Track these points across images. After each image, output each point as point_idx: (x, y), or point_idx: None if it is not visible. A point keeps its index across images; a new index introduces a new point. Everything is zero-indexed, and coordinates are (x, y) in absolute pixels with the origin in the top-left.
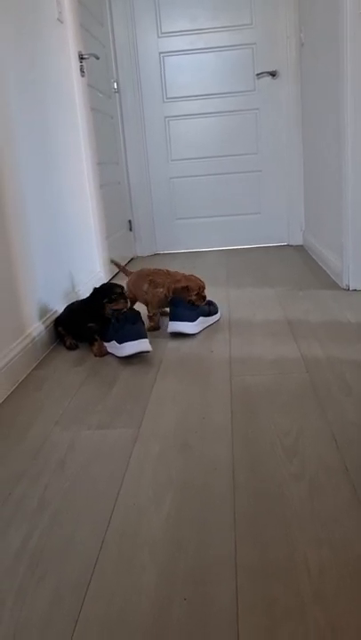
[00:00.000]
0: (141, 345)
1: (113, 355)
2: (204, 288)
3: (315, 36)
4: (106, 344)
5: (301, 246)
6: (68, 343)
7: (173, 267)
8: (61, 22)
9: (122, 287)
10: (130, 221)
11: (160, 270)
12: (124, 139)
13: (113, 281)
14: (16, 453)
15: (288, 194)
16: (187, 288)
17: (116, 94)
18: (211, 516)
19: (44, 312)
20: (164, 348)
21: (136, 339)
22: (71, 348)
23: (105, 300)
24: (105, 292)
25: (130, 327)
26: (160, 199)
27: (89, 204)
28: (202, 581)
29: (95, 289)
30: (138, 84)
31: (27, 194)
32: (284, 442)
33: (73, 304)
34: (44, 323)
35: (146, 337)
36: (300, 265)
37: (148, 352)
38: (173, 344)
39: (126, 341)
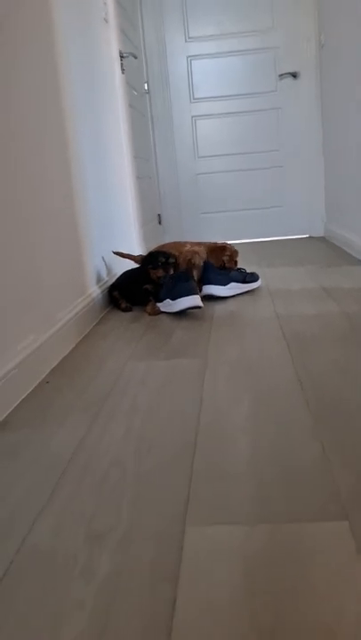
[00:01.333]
0: (194, 300)
1: (166, 314)
2: (236, 253)
3: (335, 38)
4: (159, 304)
5: (323, 237)
6: (123, 306)
7: None
8: (106, 22)
9: (167, 255)
10: (159, 215)
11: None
12: (153, 136)
13: None
14: (100, 378)
15: (309, 187)
16: (223, 247)
17: (147, 94)
18: (287, 417)
19: (99, 279)
20: (213, 307)
21: (189, 294)
22: (126, 309)
23: (149, 266)
24: (149, 260)
25: (182, 284)
26: (187, 194)
27: (128, 194)
28: (285, 457)
29: (145, 255)
30: (167, 86)
31: (87, 179)
32: (337, 365)
33: (127, 271)
34: (100, 287)
35: (197, 293)
36: (324, 249)
37: (199, 307)
38: (221, 305)
39: (179, 297)
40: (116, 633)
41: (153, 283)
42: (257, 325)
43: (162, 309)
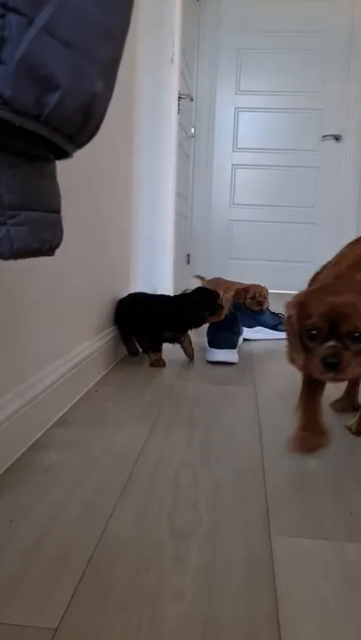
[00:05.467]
0: (227, 355)
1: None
2: (261, 294)
3: None
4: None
5: None
6: (130, 348)
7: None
8: (172, 62)
9: (218, 294)
10: (188, 255)
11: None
12: (193, 178)
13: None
14: (150, 392)
15: (340, 246)
16: (246, 290)
17: (193, 137)
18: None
19: None
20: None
21: (224, 348)
22: (133, 353)
23: (207, 314)
24: (208, 303)
25: (221, 334)
26: (218, 238)
27: (168, 231)
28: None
29: (190, 295)
30: (212, 132)
31: (141, 211)
32: None
33: (136, 295)
34: None
35: (235, 347)
36: None
37: (234, 364)
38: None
39: (215, 348)
40: (219, 621)
41: (183, 328)
42: None
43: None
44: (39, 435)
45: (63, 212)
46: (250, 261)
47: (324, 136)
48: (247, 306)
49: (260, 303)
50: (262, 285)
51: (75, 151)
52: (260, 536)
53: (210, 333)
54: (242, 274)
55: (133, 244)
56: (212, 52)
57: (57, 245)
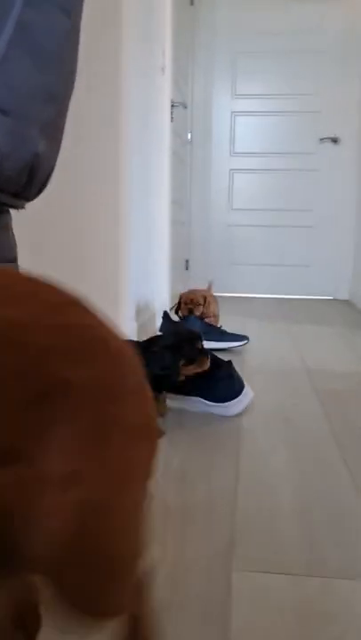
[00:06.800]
0: (248, 396)
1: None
2: (193, 301)
3: None
4: (189, 398)
5: (347, 301)
6: None
7: (223, 307)
8: (163, 72)
9: (199, 336)
10: (187, 261)
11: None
12: (190, 184)
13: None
14: None
15: (338, 250)
16: (181, 296)
17: (189, 144)
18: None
19: (135, 317)
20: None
21: (239, 393)
22: None
23: (182, 362)
24: (183, 348)
25: (227, 382)
26: (217, 243)
27: (164, 238)
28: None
29: (158, 338)
30: (209, 137)
31: (132, 219)
32: None
33: None
34: (137, 322)
35: (243, 384)
36: (351, 313)
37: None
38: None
39: (230, 400)
40: None
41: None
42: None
43: (198, 408)
44: None
45: (42, 233)
46: (249, 266)
47: (321, 139)
48: (180, 312)
49: (190, 310)
50: (203, 294)
51: (24, 205)
52: (221, 572)
53: (208, 388)
54: (242, 278)
55: (123, 258)
56: (207, 56)
57: None
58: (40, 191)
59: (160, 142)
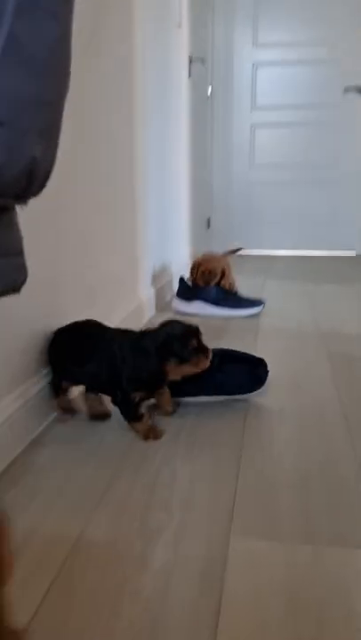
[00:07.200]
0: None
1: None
2: (213, 271)
3: None
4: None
5: None
6: (62, 404)
7: (244, 267)
8: (179, 27)
9: (197, 331)
10: (208, 219)
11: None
12: (211, 141)
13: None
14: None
15: None
16: (199, 264)
17: (209, 99)
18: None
19: (152, 281)
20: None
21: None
22: (66, 412)
23: (167, 361)
24: (171, 347)
25: (232, 368)
26: (239, 200)
27: (183, 197)
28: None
29: (148, 334)
30: (230, 92)
31: (149, 179)
32: None
33: (87, 325)
34: (152, 287)
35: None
36: None
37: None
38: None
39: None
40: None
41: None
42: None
43: (202, 310)
44: None
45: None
46: (272, 223)
47: (346, 88)
48: (196, 280)
49: (207, 281)
50: (222, 265)
51: (26, 203)
52: (220, 536)
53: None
54: (264, 236)
55: (140, 220)
56: (227, 4)
57: (22, 284)
58: (41, 189)
59: (178, 100)
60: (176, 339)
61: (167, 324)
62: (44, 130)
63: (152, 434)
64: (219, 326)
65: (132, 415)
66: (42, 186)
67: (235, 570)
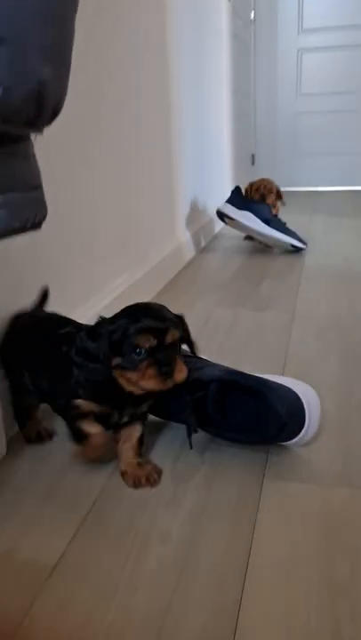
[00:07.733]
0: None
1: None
2: (266, 187)
3: None
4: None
5: None
6: (35, 430)
7: (290, 203)
8: None
9: (164, 317)
10: (253, 155)
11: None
12: (255, 70)
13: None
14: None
15: None
16: (252, 184)
17: (252, 24)
18: None
19: (189, 222)
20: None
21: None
22: (39, 438)
23: (118, 367)
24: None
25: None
26: (285, 134)
27: (224, 132)
28: None
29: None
30: (275, 14)
31: (185, 115)
32: None
33: (48, 320)
34: (190, 229)
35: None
36: None
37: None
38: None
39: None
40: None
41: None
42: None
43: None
44: None
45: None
46: (319, 157)
47: None
48: (251, 196)
49: (263, 196)
50: (273, 183)
51: (40, 131)
52: (253, 479)
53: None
54: (311, 170)
55: (178, 162)
56: None
57: (41, 221)
58: (54, 116)
59: (216, 25)
60: (126, 334)
61: (132, 309)
62: (52, 49)
63: (91, 453)
64: (263, 265)
65: (72, 432)
66: (55, 113)
67: (268, 511)
